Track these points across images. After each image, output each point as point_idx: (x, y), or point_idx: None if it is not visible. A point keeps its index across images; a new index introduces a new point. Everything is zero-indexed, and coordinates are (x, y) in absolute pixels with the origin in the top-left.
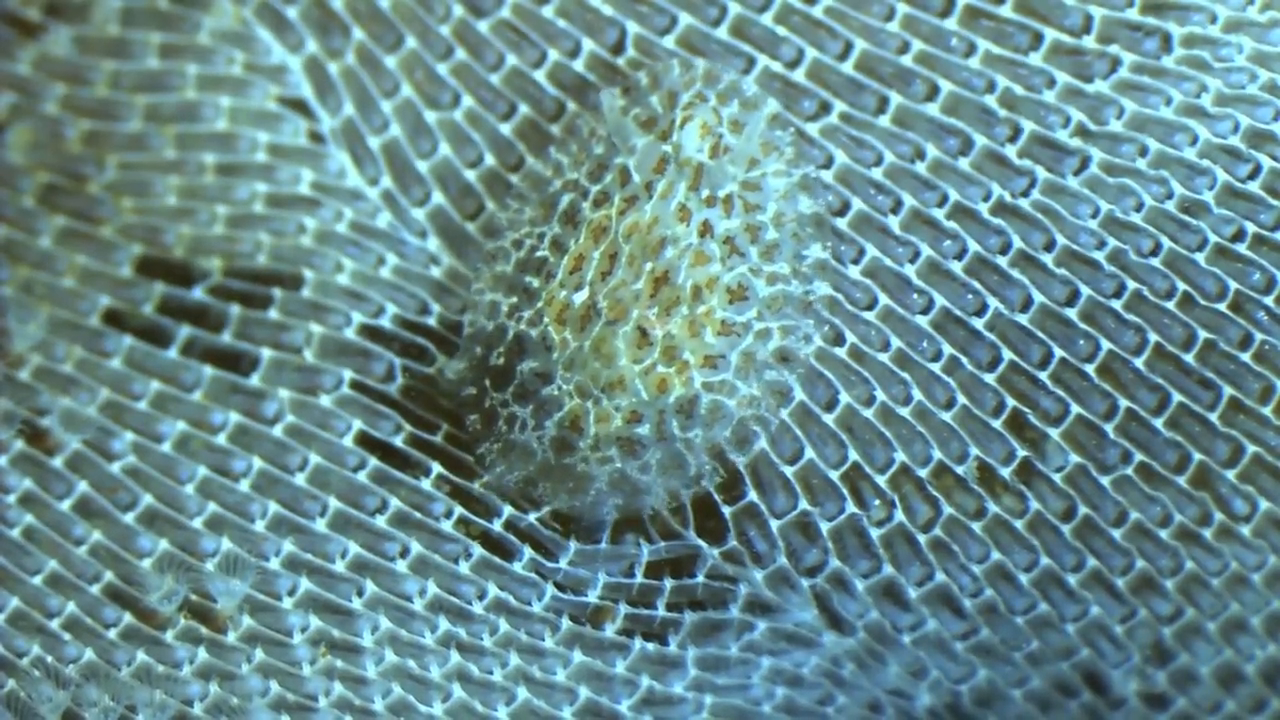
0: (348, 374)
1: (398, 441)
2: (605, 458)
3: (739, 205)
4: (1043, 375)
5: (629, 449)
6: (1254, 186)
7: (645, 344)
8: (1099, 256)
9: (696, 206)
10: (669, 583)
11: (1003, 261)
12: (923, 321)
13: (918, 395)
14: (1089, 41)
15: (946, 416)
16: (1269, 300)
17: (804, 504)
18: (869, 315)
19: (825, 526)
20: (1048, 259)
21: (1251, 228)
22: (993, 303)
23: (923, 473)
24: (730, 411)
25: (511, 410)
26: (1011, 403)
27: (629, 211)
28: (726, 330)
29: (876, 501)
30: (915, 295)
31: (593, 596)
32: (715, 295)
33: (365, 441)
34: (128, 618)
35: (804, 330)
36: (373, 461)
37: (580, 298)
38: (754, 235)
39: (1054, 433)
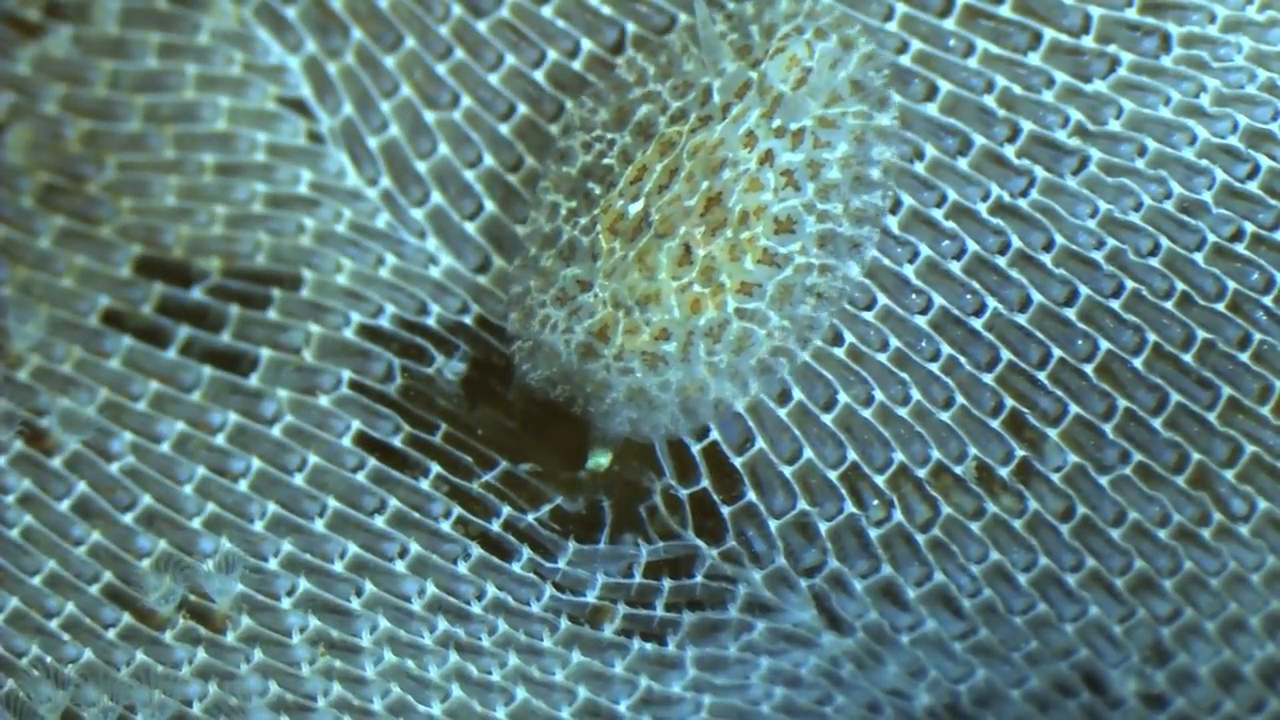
0: (346, 374)
1: (396, 442)
2: (626, 369)
3: (809, 141)
4: (1041, 375)
5: (651, 364)
6: (1252, 186)
7: (687, 261)
8: (1097, 256)
9: (764, 135)
10: (668, 583)
11: (1001, 261)
12: (921, 321)
13: (916, 395)
14: (1087, 41)
15: (945, 416)
16: (1267, 300)
17: (802, 504)
18: (868, 315)
19: (824, 526)
20: (1046, 259)
21: (1250, 227)
22: (991, 302)
23: (921, 473)
24: (758, 340)
25: (547, 312)
26: (1010, 403)
27: (700, 130)
28: (767, 259)
29: (875, 501)
30: (914, 295)
31: (591, 596)
32: (761, 223)
33: (364, 442)
34: (126, 618)
35: (843, 271)
36: (371, 462)
37: (635, 209)
38: (815, 172)
39: (1052, 433)
